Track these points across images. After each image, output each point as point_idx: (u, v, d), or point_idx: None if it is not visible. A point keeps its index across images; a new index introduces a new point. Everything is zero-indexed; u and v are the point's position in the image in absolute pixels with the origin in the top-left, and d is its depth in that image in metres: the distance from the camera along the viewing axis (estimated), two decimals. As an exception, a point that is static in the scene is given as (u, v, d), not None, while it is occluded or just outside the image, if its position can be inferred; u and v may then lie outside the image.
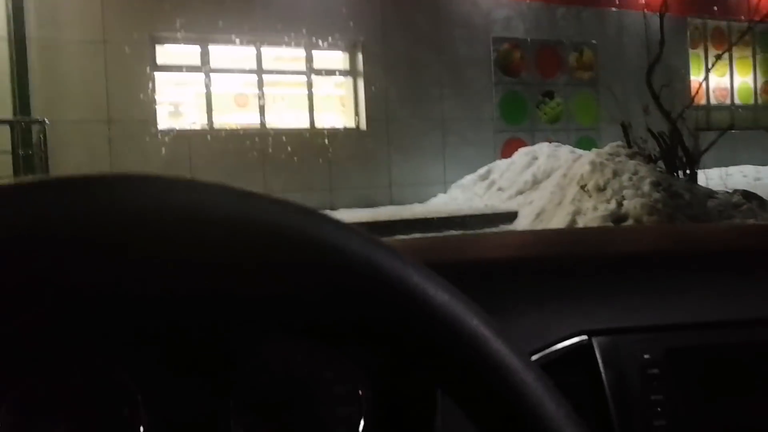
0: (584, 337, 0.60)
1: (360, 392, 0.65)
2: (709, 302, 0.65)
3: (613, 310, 0.62)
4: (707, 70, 9.83)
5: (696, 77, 11.21)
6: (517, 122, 10.25)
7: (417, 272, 0.31)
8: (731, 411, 0.61)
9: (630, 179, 6.36)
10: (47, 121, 6.92)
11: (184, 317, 0.65)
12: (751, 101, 12.59)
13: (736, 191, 6.37)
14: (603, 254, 0.79)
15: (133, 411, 0.66)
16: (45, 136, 6.89)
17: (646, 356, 0.59)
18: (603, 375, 0.59)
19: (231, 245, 0.32)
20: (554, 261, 0.73)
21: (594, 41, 10.73)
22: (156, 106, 8.23)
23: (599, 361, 0.59)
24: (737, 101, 12.46)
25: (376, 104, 9.22)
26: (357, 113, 9.34)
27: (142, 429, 0.64)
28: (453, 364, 0.31)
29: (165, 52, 8.41)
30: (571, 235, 1.93)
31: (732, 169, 9.28)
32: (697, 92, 8.45)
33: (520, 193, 7.87)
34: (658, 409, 0.58)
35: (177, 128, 8.40)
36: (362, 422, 0.64)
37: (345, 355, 0.64)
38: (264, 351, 0.66)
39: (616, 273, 0.67)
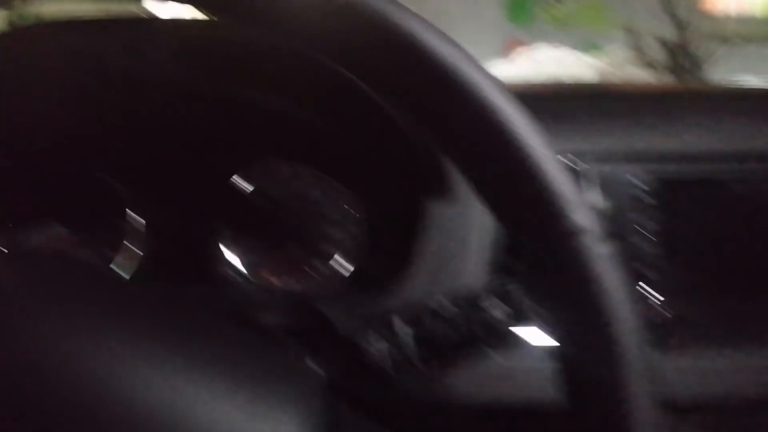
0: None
1: (353, 214, 0.69)
2: (700, 134, 0.67)
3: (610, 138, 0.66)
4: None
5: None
6: (524, 22, 9.85)
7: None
8: (719, 238, 0.64)
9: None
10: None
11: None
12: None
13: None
14: (604, 88, 0.83)
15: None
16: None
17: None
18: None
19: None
20: (570, 88, 0.78)
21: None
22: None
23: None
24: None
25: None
26: None
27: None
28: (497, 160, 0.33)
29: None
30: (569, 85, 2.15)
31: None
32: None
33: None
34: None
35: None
36: (352, 244, 0.68)
37: (339, 178, 0.67)
38: (255, 172, 0.68)
39: (612, 103, 0.70)
